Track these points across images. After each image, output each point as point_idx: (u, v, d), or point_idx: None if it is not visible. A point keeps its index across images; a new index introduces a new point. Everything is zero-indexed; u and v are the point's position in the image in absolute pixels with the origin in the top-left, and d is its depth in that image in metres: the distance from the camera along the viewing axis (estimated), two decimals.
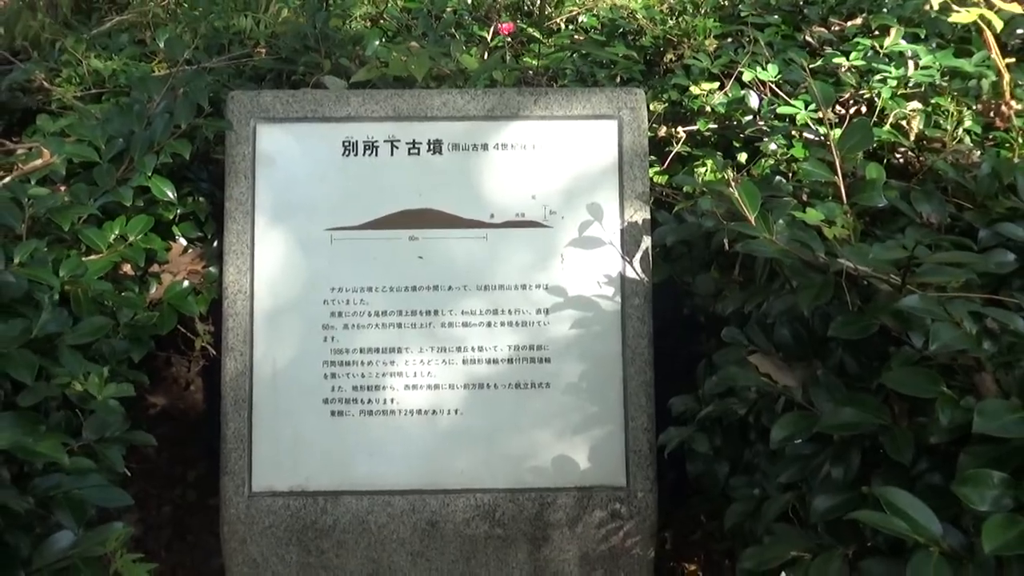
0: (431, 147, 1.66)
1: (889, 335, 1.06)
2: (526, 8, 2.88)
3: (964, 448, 0.91)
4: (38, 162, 1.63)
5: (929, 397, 0.94)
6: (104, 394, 1.30)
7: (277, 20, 2.65)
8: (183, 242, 1.80)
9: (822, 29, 2.14)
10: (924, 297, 0.97)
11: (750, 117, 1.76)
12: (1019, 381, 0.92)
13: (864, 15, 2.08)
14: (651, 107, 1.90)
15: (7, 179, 1.55)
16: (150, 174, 1.57)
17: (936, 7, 1.50)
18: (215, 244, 1.81)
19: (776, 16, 2.21)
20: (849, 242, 1.17)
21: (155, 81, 1.76)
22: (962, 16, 1.37)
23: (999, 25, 1.40)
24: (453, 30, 2.50)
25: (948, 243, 1.19)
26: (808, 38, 2.12)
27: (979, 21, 1.36)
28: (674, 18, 2.34)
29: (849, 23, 2.11)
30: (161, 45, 2.30)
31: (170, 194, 1.60)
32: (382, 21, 2.74)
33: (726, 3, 2.48)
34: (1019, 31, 1.71)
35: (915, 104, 1.63)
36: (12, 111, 1.95)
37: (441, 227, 1.64)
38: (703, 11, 2.46)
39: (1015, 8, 1.57)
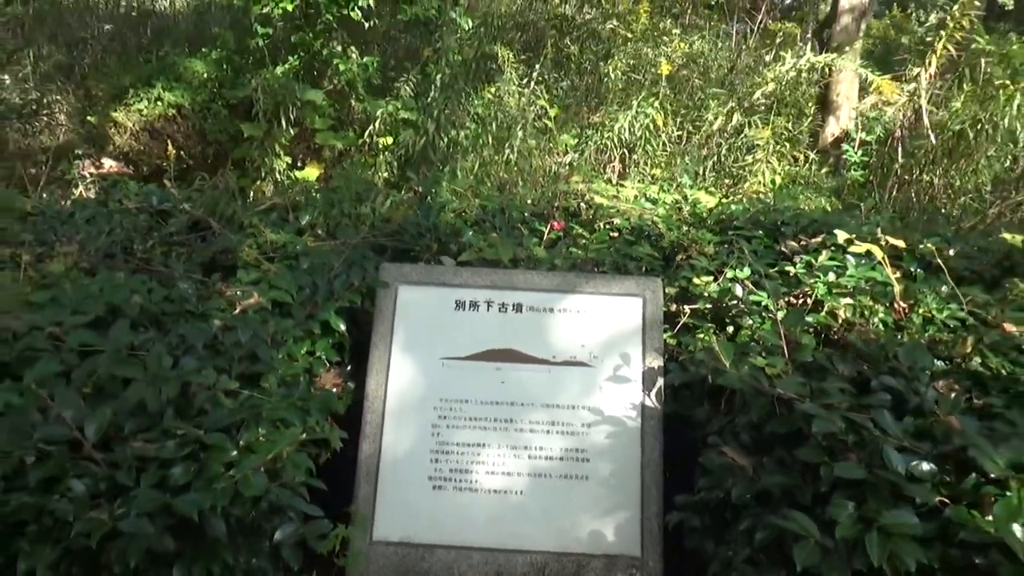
0: (515, 308, 2.53)
1: (801, 433, 1.83)
2: (572, 210, 3.91)
3: (835, 491, 1.66)
4: (251, 301, 2.53)
5: (819, 462, 1.70)
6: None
7: (386, 208, 3.67)
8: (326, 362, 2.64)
9: (793, 243, 3.07)
10: (815, 405, 1.76)
11: (735, 301, 2.62)
12: (868, 453, 1.69)
13: (823, 235, 3.01)
14: (666, 290, 2.78)
15: (237, 311, 2.44)
16: (331, 313, 2.44)
17: (842, 240, 2.41)
18: (348, 368, 2.64)
19: (760, 232, 3.16)
20: (783, 379, 1.98)
21: (331, 254, 2.70)
22: (860, 247, 2.27)
23: (879, 254, 2.30)
24: (520, 225, 3.48)
25: (843, 383, 2.00)
26: (783, 248, 3.05)
27: (872, 248, 2.25)
28: (686, 227, 3.31)
29: (812, 240, 3.04)
30: (302, 223, 3.29)
31: (343, 327, 2.46)
32: (464, 214, 3.76)
33: (724, 216, 3.46)
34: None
35: (848, 300, 2.49)
36: (219, 267, 2.87)
37: (518, 362, 2.47)
38: (708, 222, 3.44)
39: (900, 242, 2.48)
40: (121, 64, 7.78)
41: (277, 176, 5.22)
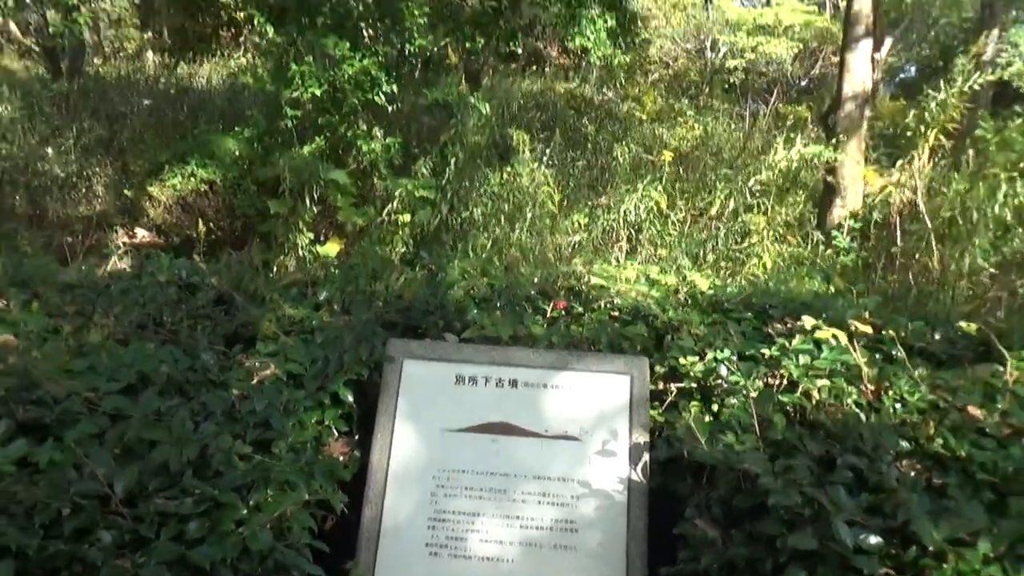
0: (511, 383, 2.74)
1: (765, 506, 2.00)
2: (576, 289, 4.14)
3: (792, 562, 1.81)
4: (267, 372, 2.76)
5: (777, 534, 1.86)
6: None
7: (399, 285, 3.93)
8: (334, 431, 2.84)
9: (780, 325, 3.27)
10: (775, 480, 1.93)
11: (719, 380, 2.81)
12: (822, 527, 1.85)
13: (810, 319, 3.21)
14: (656, 369, 2.97)
15: (255, 381, 2.67)
16: (340, 385, 2.66)
17: (809, 326, 2.62)
18: (356, 436, 2.84)
19: (750, 314, 3.36)
20: (749, 455, 2.15)
21: (344, 329, 2.94)
22: (823, 333, 2.48)
23: (843, 339, 2.49)
24: (524, 303, 3.71)
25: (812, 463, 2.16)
26: (769, 330, 3.24)
27: (838, 334, 2.46)
28: (680, 308, 3.52)
29: (797, 323, 3.23)
30: (320, 298, 3.55)
31: (350, 398, 2.68)
32: (472, 291, 4.00)
33: (718, 299, 3.67)
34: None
35: (824, 381, 2.66)
36: (241, 339, 3.12)
37: (513, 435, 2.66)
38: (701, 304, 3.65)
39: (867, 328, 2.67)
40: (159, 139, 8.31)
41: (300, 251, 5.54)
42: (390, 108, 6.90)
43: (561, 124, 11.36)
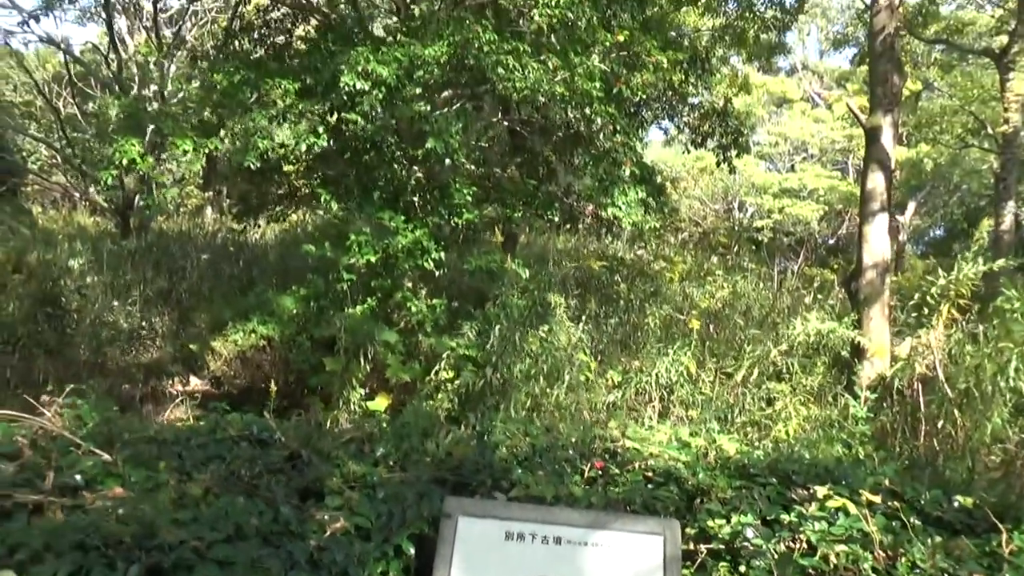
0: (555, 540, 3.07)
1: None
2: (611, 450, 4.50)
3: None
4: (337, 525, 3.14)
5: None
6: None
7: (447, 443, 4.33)
8: None
9: (803, 491, 3.57)
10: None
11: (745, 543, 3.10)
12: None
13: (827, 486, 3.51)
14: (687, 530, 3.28)
15: (327, 533, 3.04)
16: (404, 539, 3.02)
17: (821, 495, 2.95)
18: None
19: (774, 479, 3.68)
20: None
21: (403, 485, 3.33)
22: (834, 502, 2.81)
23: (852, 509, 2.81)
24: (564, 463, 4.07)
25: None
26: (792, 495, 3.54)
27: (847, 504, 2.79)
28: (709, 471, 3.85)
29: (818, 488, 3.54)
30: (376, 454, 3.96)
31: (412, 551, 3.03)
32: (515, 450, 4.38)
33: (744, 463, 4.00)
34: None
35: (841, 547, 2.95)
36: (312, 493, 3.52)
37: None
38: (729, 467, 3.98)
39: (876, 498, 2.99)
40: (217, 293, 9.05)
41: (352, 405, 6.02)
42: (437, 272, 7.59)
43: (594, 282, 12.06)
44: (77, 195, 16.94)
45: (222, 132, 7.74)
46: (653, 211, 10.09)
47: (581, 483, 3.75)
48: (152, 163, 7.58)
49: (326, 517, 3.20)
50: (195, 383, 10.24)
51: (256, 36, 10.55)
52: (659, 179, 10.45)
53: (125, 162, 7.21)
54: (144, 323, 11.42)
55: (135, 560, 2.36)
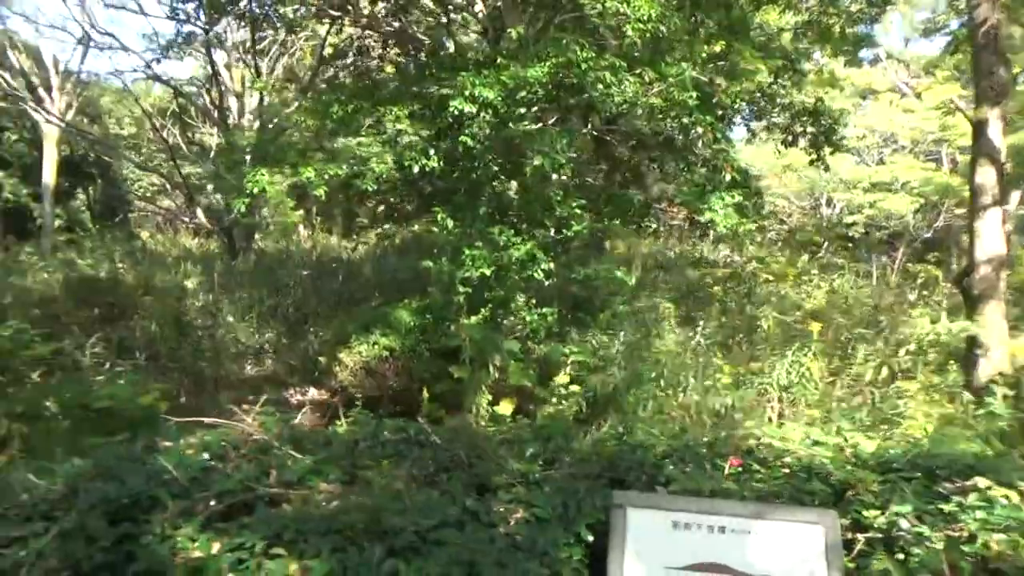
0: (719, 530, 3.36)
1: None
2: (747, 448, 4.73)
3: None
4: (518, 515, 3.50)
5: None
6: None
7: (586, 443, 4.65)
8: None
9: (949, 484, 3.74)
10: None
11: (901, 532, 3.31)
12: None
13: (975, 478, 3.68)
14: (841, 520, 3.50)
15: (511, 523, 3.41)
16: (583, 527, 3.36)
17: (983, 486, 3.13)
18: (588, 572, 3.48)
19: (918, 473, 3.86)
20: None
21: (571, 480, 3.67)
22: (995, 492, 2.99)
23: (1015, 498, 2.99)
24: (705, 460, 4.34)
25: None
26: (940, 489, 3.72)
27: (1010, 494, 2.96)
28: (850, 467, 4.05)
29: (966, 482, 3.70)
30: (527, 454, 4.32)
31: (590, 538, 3.36)
32: (655, 450, 4.67)
33: (885, 459, 4.18)
34: None
35: (1000, 535, 3.13)
36: (485, 489, 3.90)
37: (726, 574, 3.24)
38: (870, 463, 4.16)
39: None
40: (329, 309, 9.63)
41: (480, 411, 6.43)
42: (547, 282, 7.96)
43: (688, 286, 12.21)
44: (186, 219, 18.08)
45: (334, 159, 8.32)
46: (748, 214, 10.21)
47: (724, 479, 4.01)
48: (280, 192, 8.21)
49: (501, 509, 3.58)
50: (312, 393, 10.91)
51: (349, 63, 11.14)
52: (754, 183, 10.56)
53: (256, 191, 7.86)
54: (259, 337, 12.24)
55: (379, 542, 2.78)
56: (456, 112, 7.58)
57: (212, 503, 3.14)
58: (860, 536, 3.38)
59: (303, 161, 8.17)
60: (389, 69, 12.27)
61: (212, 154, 20.12)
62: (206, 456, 3.71)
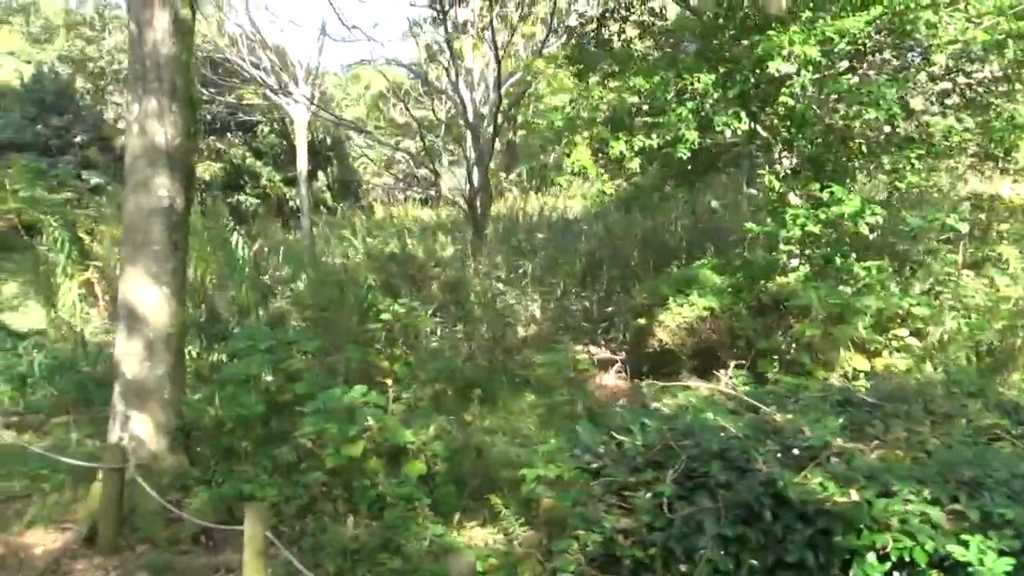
0: None
1: None
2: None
3: None
4: None
5: None
6: None
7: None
8: None
9: None
10: None
11: None
12: None
13: None
14: None
15: None
16: None
17: None
18: None
19: None
20: None
21: None
22: None
23: None
24: None
25: None
26: None
27: None
28: None
29: None
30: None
31: None
32: None
33: None
34: None
35: None
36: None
37: None
38: None
39: None
40: (656, 275, 10.10)
41: (845, 366, 6.74)
42: (871, 236, 8.04)
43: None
44: (433, 191, 19.50)
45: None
46: None
47: None
48: (597, 168, 8.84)
49: None
50: (595, 351, 11.64)
51: (617, 30, 11.38)
52: None
53: (577, 169, 8.54)
54: (528, 302, 13.16)
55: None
56: (776, 73, 7.76)
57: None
58: None
59: (610, 137, 8.72)
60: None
61: (442, 129, 21.52)
62: (710, 415, 4.32)
